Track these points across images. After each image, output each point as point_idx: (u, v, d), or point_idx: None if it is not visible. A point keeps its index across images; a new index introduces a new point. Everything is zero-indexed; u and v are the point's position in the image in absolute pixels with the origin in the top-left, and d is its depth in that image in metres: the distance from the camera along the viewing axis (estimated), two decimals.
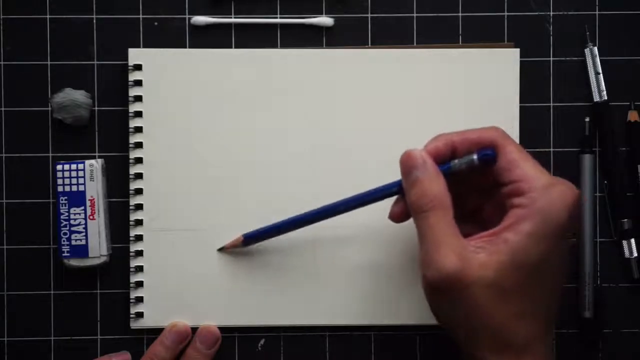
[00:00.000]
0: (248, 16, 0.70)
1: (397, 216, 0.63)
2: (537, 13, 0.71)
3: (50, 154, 0.70)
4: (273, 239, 0.68)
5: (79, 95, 0.69)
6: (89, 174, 0.68)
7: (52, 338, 0.70)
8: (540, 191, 0.57)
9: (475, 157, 0.59)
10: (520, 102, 0.70)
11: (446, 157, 0.60)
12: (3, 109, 0.70)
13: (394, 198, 0.63)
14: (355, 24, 0.70)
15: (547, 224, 0.56)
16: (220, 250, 0.69)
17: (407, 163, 0.59)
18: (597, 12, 0.71)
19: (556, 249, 0.57)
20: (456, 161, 0.60)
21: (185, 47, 0.70)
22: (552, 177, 0.58)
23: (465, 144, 0.60)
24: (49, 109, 0.70)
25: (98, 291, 0.70)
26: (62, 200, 0.68)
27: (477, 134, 0.60)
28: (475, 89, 0.69)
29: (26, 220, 0.70)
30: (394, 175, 0.68)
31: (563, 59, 0.71)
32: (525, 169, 0.58)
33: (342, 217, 0.68)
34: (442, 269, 0.56)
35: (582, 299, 0.70)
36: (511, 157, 0.58)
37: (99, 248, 0.68)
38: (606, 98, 0.70)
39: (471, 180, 0.61)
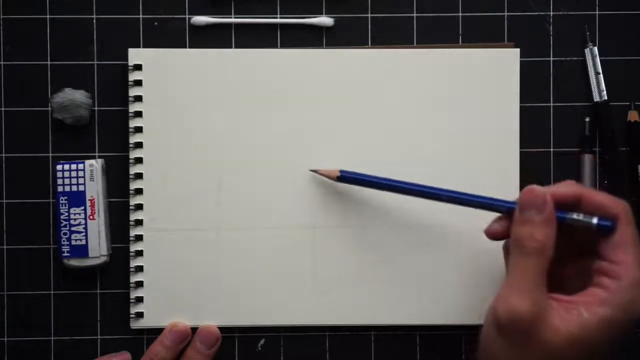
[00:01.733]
0: (248, 16, 0.70)
1: (495, 235, 0.62)
2: (537, 13, 0.71)
3: (50, 154, 0.70)
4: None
5: (79, 95, 0.69)
6: (89, 174, 0.68)
7: (52, 338, 0.70)
8: (633, 285, 0.56)
9: (595, 221, 0.58)
10: (520, 102, 0.70)
11: (567, 205, 0.59)
12: (3, 109, 0.70)
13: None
14: (355, 24, 0.70)
15: (626, 317, 0.56)
16: (314, 171, 0.68)
17: (528, 199, 0.58)
18: (597, 12, 0.71)
19: (619, 339, 0.57)
20: (575, 216, 0.59)
21: (185, 47, 0.70)
22: None
23: (591, 203, 0.59)
24: (49, 109, 0.70)
25: (98, 291, 0.70)
26: (62, 200, 0.68)
27: (605, 200, 0.59)
28: (475, 89, 0.69)
29: (26, 220, 0.70)
30: (392, 174, 0.68)
31: (563, 59, 0.71)
32: (629, 255, 0.57)
33: (341, 217, 0.68)
34: (515, 310, 0.55)
35: None
36: (623, 238, 0.58)
37: (99, 248, 0.68)
38: (606, 98, 0.70)
39: (575, 235, 0.60)
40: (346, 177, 0.67)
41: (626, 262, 0.57)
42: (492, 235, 0.62)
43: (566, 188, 0.60)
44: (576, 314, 0.56)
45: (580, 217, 0.59)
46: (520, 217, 0.58)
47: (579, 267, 0.60)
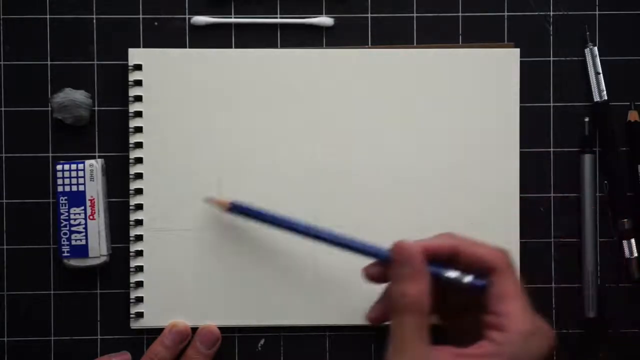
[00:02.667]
0: (248, 16, 0.70)
1: (372, 278, 0.61)
2: (537, 13, 0.71)
3: (50, 154, 0.70)
4: (276, 237, 0.68)
5: (79, 95, 0.69)
6: (89, 174, 0.68)
7: (52, 338, 0.70)
8: (519, 336, 0.56)
9: (465, 281, 0.58)
10: (520, 102, 0.70)
11: (444, 258, 0.59)
12: (3, 109, 0.70)
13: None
14: (355, 24, 0.70)
15: None
16: (206, 201, 0.68)
17: (397, 254, 0.57)
18: (597, 12, 0.71)
19: None
20: (447, 274, 0.58)
21: (185, 47, 0.70)
22: (535, 324, 0.57)
23: (468, 256, 0.58)
24: (49, 109, 0.70)
25: (98, 291, 0.70)
26: (62, 200, 0.68)
27: (483, 252, 0.58)
28: (475, 89, 0.69)
29: (26, 220, 0.70)
30: (393, 174, 0.68)
31: (563, 59, 0.71)
32: (513, 307, 0.56)
33: (341, 217, 0.68)
34: None
35: (586, 299, 0.70)
36: (505, 289, 0.57)
37: (99, 248, 0.68)
38: (606, 98, 0.70)
39: (460, 289, 0.60)
40: (237, 209, 0.67)
41: (510, 313, 0.56)
42: (369, 277, 0.62)
43: (441, 241, 0.59)
44: None
45: (454, 275, 0.58)
46: (392, 275, 0.58)
47: (474, 319, 0.59)
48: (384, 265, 0.60)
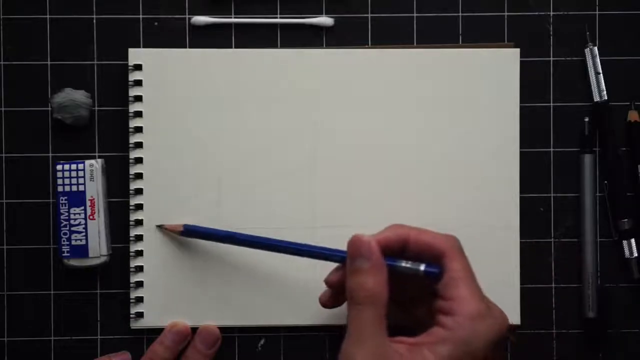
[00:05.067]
0: (248, 16, 0.70)
1: (333, 285, 0.63)
2: (537, 13, 0.71)
3: (50, 154, 0.70)
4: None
5: (79, 95, 0.69)
6: (89, 174, 0.68)
7: (52, 338, 0.70)
8: (468, 319, 0.56)
9: (421, 268, 0.59)
10: (520, 102, 0.70)
11: (395, 249, 0.60)
12: (3, 109, 0.70)
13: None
14: (355, 24, 0.70)
15: (466, 354, 0.56)
16: (159, 227, 0.68)
17: (354, 248, 0.58)
18: (597, 12, 0.71)
19: None
20: (402, 264, 0.59)
21: (185, 47, 0.70)
22: (486, 307, 0.57)
23: (418, 244, 0.60)
24: (49, 109, 0.70)
25: (98, 291, 0.70)
26: (62, 200, 0.68)
27: (431, 239, 0.59)
28: (475, 89, 0.69)
29: (26, 220, 0.70)
30: (392, 174, 0.68)
31: (563, 59, 0.71)
32: (462, 291, 0.57)
33: (341, 217, 0.68)
34: None
35: (586, 299, 0.70)
36: (454, 274, 0.58)
37: (99, 248, 0.68)
38: (606, 98, 0.70)
39: (414, 278, 0.60)
40: (190, 231, 0.68)
41: (459, 297, 0.57)
42: (330, 285, 0.63)
43: (391, 232, 0.60)
44: (420, 356, 0.55)
45: (409, 264, 0.59)
46: (349, 268, 0.58)
47: (430, 307, 0.59)
48: (343, 270, 0.60)
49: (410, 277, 0.60)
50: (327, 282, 0.63)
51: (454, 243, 0.59)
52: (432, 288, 0.59)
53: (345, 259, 0.59)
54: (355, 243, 0.58)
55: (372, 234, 0.59)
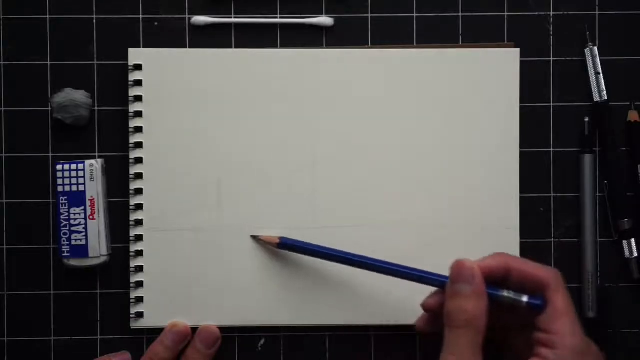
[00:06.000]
0: (248, 16, 0.70)
1: (430, 309, 0.63)
2: (537, 13, 0.71)
3: (50, 154, 0.70)
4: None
5: (79, 95, 0.69)
6: (89, 174, 0.68)
7: (52, 338, 0.70)
8: (570, 353, 0.57)
9: (524, 300, 0.59)
10: (520, 102, 0.70)
11: (497, 277, 0.60)
12: (3, 109, 0.70)
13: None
14: (355, 24, 0.70)
15: None
16: (254, 237, 0.68)
17: (457, 272, 0.59)
18: (597, 12, 0.71)
19: None
20: (505, 294, 0.60)
21: (185, 47, 0.70)
22: (585, 342, 0.58)
23: (520, 275, 0.60)
24: (49, 109, 0.70)
25: (98, 291, 0.70)
26: (62, 200, 0.68)
27: (534, 271, 0.60)
28: (475, 89, 0.69)
29: (26, 220, 0.70)
30: (392, 174, 0.68)
31: (563, 59, 0.71)
32: (565, 326, 0.58)
33: (341, 218, 0.68)
34: None
35: (586, 299, 0.70)
36: (557, 307, 0.58)
37: (99, 248, 0.68)
38: (606, 98, 0.70)
39: (512, 308, 0.61)
40: (286, 244, 0.67)
41: (561, 331, 0.57)
42: (427, 309, 0.63)
43: (494, 261, 0.61)
44: None
45: (511, 295, 0.60)
46: (450, 291, 0.59)
47: (527, 337, 0.60)
48: (442, 294, 0.61)
49: (508, 307, 0.60)
50: (424, 305, 0.63)
51: (557, 276, 0.60)
52: (528, 319, 0.59)
53: (444, 284, 0.60)
54: (458, 267, 0.59)
55: (474, 260, 0.60)
